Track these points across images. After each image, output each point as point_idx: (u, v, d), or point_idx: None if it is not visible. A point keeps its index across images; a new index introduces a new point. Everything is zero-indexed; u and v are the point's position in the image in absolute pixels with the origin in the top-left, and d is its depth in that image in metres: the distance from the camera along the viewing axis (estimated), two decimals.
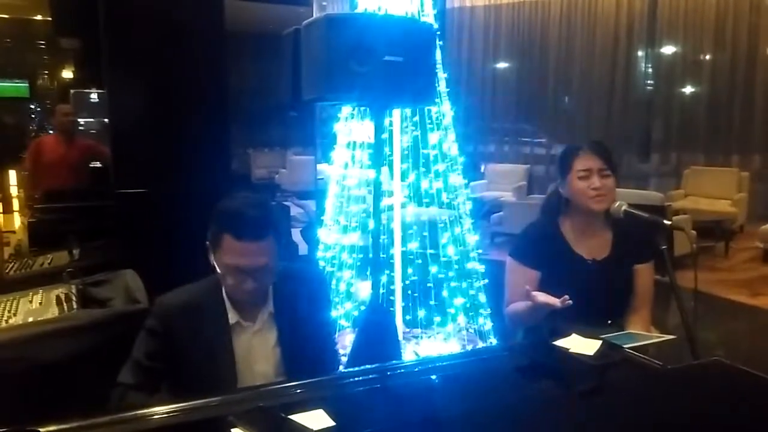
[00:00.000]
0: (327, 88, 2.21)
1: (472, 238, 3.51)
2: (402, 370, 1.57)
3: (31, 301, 2.00)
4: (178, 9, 2.93)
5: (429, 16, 3.31)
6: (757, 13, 8.45)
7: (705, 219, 6.76)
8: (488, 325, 3.47)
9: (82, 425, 1.17)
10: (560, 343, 1.56)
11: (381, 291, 2.52)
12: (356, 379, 1.46)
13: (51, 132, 5.88)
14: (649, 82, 9.45)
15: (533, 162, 10.00)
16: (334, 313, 3.35)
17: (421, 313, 3.42)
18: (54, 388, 1.64)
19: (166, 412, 1.25)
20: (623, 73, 9.42)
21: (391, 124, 3.23)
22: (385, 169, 3.07)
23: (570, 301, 1.81)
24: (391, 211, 3.25)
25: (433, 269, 3.41)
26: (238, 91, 9.35)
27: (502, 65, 10.59)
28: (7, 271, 2.62)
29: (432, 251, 3.41)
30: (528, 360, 1.58)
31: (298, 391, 1.37)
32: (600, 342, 1.55)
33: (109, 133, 3.14)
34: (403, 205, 3.39)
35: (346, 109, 3.47)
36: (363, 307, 3.18)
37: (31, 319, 1.83)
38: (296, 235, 4.22)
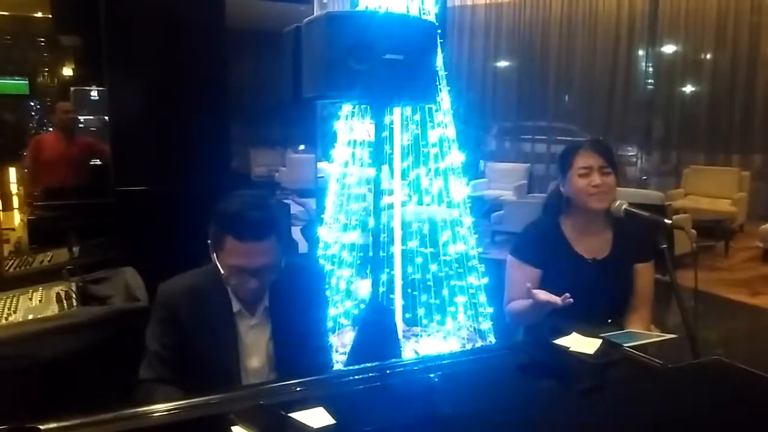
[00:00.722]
0: (327, 86, 2.22)
1: (472, 237, 3.51)
2: (402, 369, 1.57)
3: (30, 299, 1.99)
4: (178, 6, 2.93)
5: (430, 15, 3.31)
6: (758, 13, 8.45)
7: (705, 218, 6.75)
8: (488, 323, 3.47)
9: (82, 422, 1.17)
10: (560, 341, 1.56)
11: (381, 289, 2.53)
12: (356, 377, 1.46)
13: (51, 129, 5.86)
14: (649, 81, 9.44)
15: (534, 161, 10.00)
16: (333, 312, 3.35)
17: (421, 312, 3.42)
18: (54, 385, 1.64)
19: (167, 410, 1.25)
20: (624, 72, 9.42)
21: (391, 123, 3.23)
22: (385, 168, 3.07)
23: (571, 299, 1.81)
24: (392, 209, 3.25)
25: (433, 268, 3.41)
26: (238, 88, 9.32)
27: (502, 64, 10.58)
28: (6, 268, 2.62)
29: (432, 250, 3.40)
30: (528, 359, 1.58)
31: (299, 389, 1.37)
32: (600, 341, 1.55)
33: (109, 131, 3.14)
34: (404, 204, 3.39)
35: (346, 107, 3.46)
36: (363, 306, 3.18)
37: (30, 317, 1.83)
38: (296, 233, 4.22)
